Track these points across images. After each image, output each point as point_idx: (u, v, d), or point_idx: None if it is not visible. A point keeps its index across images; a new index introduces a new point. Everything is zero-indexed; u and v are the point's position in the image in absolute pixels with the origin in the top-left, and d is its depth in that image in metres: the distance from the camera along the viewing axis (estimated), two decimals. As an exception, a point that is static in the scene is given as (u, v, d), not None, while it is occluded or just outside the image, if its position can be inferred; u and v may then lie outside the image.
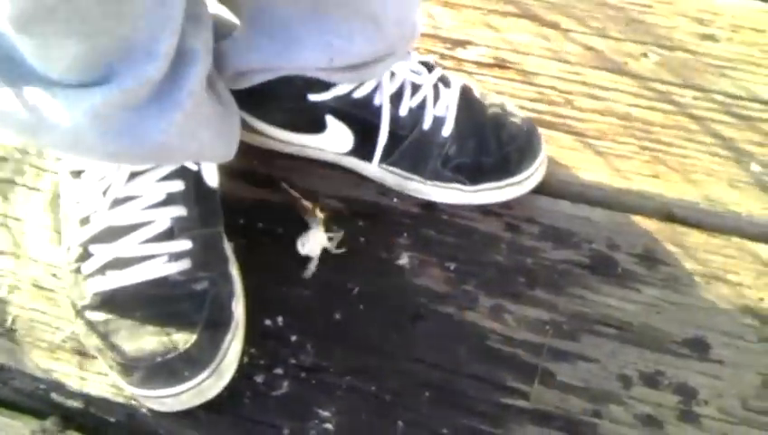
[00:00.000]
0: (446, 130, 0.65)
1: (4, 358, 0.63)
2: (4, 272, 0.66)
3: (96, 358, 0.61)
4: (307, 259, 0.65)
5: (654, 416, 0.60)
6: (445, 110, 0.66)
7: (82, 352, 0.62)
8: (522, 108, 0.72)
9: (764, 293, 0.65)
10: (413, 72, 0.66)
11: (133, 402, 0.60)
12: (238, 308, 0.61)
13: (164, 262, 0.59)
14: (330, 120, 0.65)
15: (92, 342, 0.59)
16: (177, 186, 0.60)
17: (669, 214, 0.70)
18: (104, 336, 0.58)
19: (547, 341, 0.63)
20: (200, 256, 0.60)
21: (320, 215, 0.67)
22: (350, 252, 0.67)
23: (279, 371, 0.62)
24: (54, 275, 0.66)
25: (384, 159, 0.66)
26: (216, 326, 0.58)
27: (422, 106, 0.65)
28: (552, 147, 0.72)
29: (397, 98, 0.64)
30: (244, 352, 0.62)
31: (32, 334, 0.64)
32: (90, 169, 0.60)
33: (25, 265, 0.67)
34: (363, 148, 0.66)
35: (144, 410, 0.60)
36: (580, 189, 0.71)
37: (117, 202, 0.59)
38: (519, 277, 0.66)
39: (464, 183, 0.67)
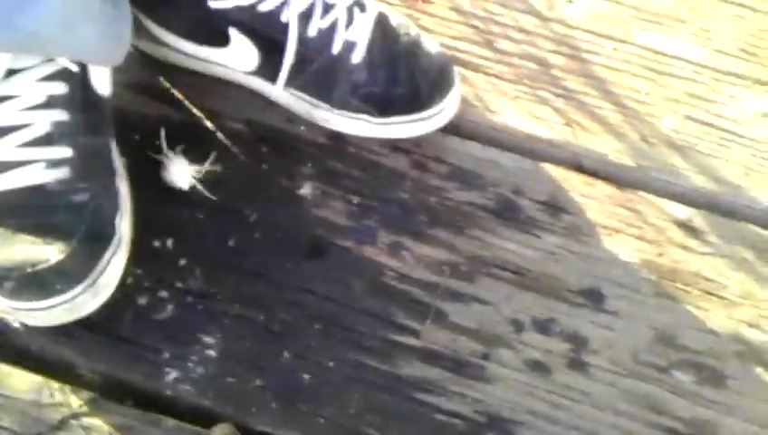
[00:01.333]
0: (357, 57, 0.63)
1: None
2: None
3: (-32, 268, 0.58)
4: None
5: (543, 362, 0.60)
6: (357, 35, 0.63)
7: (-46, 262, 0.59)
8: (440, 45, 0.70)
9: (664, 248, 0.65)
10: None
11: (5, 316, 0.57)
12: (123, 225, 0.58)
13: (41, 168, 0.55)
14: (233, 33, 0.61)
15: (-39, 249, 0.56)
16: (60, 88, 0.56)
17: (578, 164, 0.69)
18: None
19: (443, 281, 0.62)
20: (81, 166, 0.57)
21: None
22: (251, 178, 0.65)
23: (164, 294, 0.60)
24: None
25: (291, 82, 0.64)
26: (94, 241, 0.56)
27: (333, 28, 0.62)
28: (467, 87, 0.70)
29: (306, 17, 0.62)
30: (128, 273, 0.59)
31: None
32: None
33: None
34: (269, 67, 0.63)
35: (17, 325, 0.57)
36: (491, 133, 0.70)
37: None
38: (421, 216, 0.65)
39: (372, 114, 0.65)
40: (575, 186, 0.67)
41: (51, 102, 0.56)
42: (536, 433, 0.58)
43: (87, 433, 0.54)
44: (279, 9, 0.61)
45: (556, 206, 0.66)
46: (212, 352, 0.58)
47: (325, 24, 0.62)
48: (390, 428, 0.57)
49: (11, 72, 0.55)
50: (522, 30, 0.74)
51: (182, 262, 0.61)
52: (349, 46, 0.63)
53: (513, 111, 0.70)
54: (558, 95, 0.72)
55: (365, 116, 0.65)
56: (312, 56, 0.63)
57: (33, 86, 0.56)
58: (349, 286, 0.62)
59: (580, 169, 0.69)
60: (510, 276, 0.63)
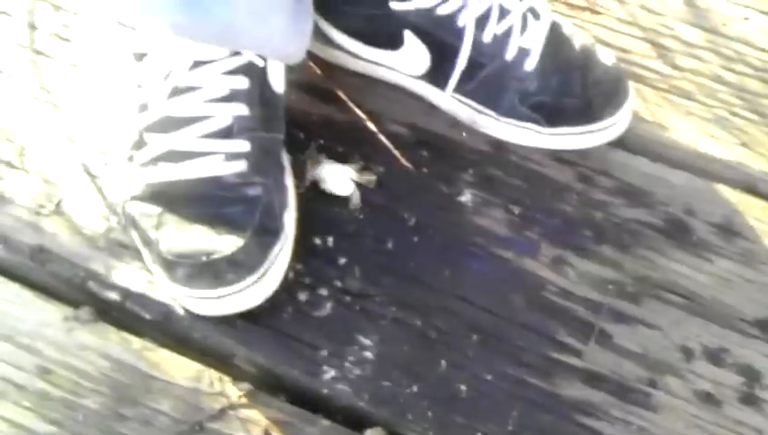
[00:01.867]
0: (530, 64, 0.61)
1: (45, 240, 0.61)
2: (58, 154, 0.64)
3: (139, 252, 0.59)
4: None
5: (713, 394, 0.56)
6: (531, 42, 0.61)
7: (125, 245, 0.60)
8: (611, 55, 0.68)
9: None
10: None
11: (170, 302, 0.58)
12: (290, 220, 0.58)
13: (220, 161, 0.56)
14: (408, 36, 0.61)
15: (138, 233, 0.57)
16: (242, 82, 0.57)
17: (753, 187, 0.65)
18: (152, 228, 0.55)
19: (608, 300, 0.59)
20: (257, 161, 0.57)
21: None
22: (411, 182, 0.64)
23: (323, 291, 0.59)
24: (106, 165, 0.64)
25: (459, 87, 0.63)
26: (265, 234, 0.56)
27: (508, 34, 0.61)
28: (638, 101, 0.67)
29: (482, 21, 0.60)
30: (289, 268, 0.59)
31: (76, 220, 0.61)
32: (153, 53, 0.57)
33: (78, 150, 0.64)
34: (439, 72, 0.62)
35: (181, 312, 0.58)
36: (661, 149, 0.66)
37: (177, 91, 0.56)
38: (586, 231, 0.62)
39: (540, 124, 0.63)
40: (751, 210, 0.63)
41: (233, 96, 0.57)
42: (704, 469, 0.54)
43: (244, 426, 0.54)
44: (457, 13, 0.60)
45: (731, 230, 0.62)
46: (369, 354, 0.57)
47: (501, 29, 0.61)
48: (549, 448, 0.55)
49: (197, 64, 0.56)
50: (695, 45, 0.71)
51: (341, 261, 0.60)
52: (522, 53, 0.61)
53: (685, 127, 0.67)
54: (733, 114, 0.68)
55: (532, 125, 0.63)
56: (484, 62, 0.61)
57: (218, 79, 0.56)
58: (508, 299, 0.60)
59: (755, 192, 0.65)
60: (679, 301, 0.60)
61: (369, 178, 0.62)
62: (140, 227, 0.57)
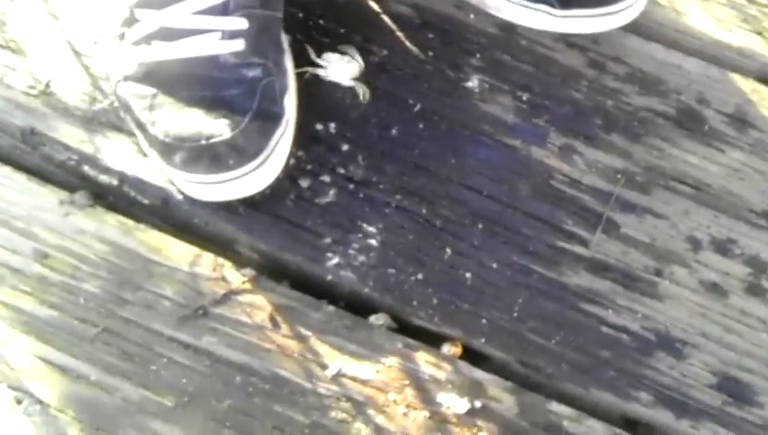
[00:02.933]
0: None
1: (36, 122, 0.58)
2: (46, 34, 0.61)
3: (134, 135, 0.57)
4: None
5: (719, 284, 0.56)
6: None
7: (119, 127, 0.58)
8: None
9: None
10: None
11: (169, 187, 0.57)
12: (290, 104, 0.56)
13: (216, 39, 0.53)
14: None
15: (133, 115, 0.54)
16: None
17: (767, 76, 0.63)
18: (146, 110, 0.53)
19: (617, 190, 0.58)
20: (255, 40, 0.54)
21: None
22: (416, 66, 0.61)
23: (326, 178, 0.58)
24: (96, 44, 0.61)
25: None
26: (266, 118, 0.54)
27: None
28: (654, -16, 0.65)
29: None
30: (291, 154, 0.57)
31: (67, 101, 0.59)
32: None
33: (69, 30, 0.61)
34: None
35: (180, 197, 0.56)
36: (675, 35, 0.64)
37: None
38: (596, 119, 0.61)
39: (553, 5, 0.60)
40: (764, 100, 0.62)
41: None
42: (708, 356, 0.54)
43: (248, 310, 0.54)
44: None
45: (743, 120, 0.61)
46: (373, 242, 0.56)
47: None
48: (554, 335, 0.54)
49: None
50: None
51: (344, 148, 0.59)
52: None
53: (700, 14, 0.65)
54: (750, 1, 0.65)
55: (544, 6, 0.60)
56: None
57: None
58: (515, 187, 0.58)
59: (770, 82, 0.63)
60: (689, 191, 0.59)
61: (365, 90, 0.59)
62: (134, 109, 0.54)
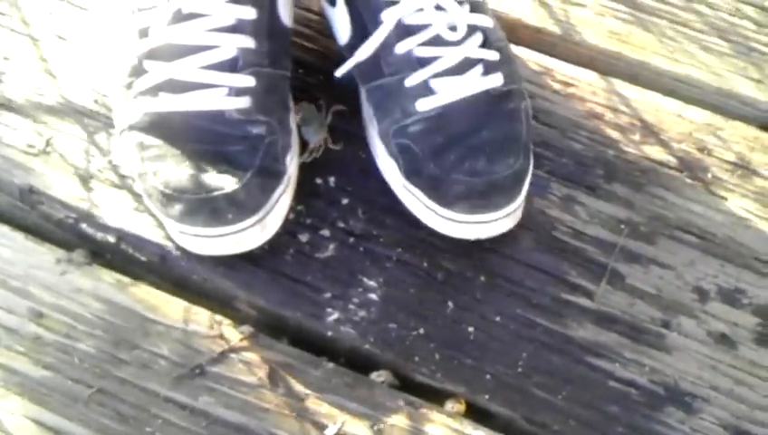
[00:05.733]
0: (424, 105, 0.54)
1: (35, 180, 0.58)
2: (44, 91, 0.61)
3: (132, 193, 0.57)
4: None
5: (728, 335, 0.55)
6: (445, 87, 0.54)
7: (118, 185, 0.58)
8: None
9: None
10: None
11: (167, 243, 0.56)
12: (293, 163, 0.56)
13: (223, 94, 0.53)
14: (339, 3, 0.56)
15: (134, 165, 0.54)
16: (249, 13, 0.54)
17: (770, 124, 0.63)
18: (149, 160, 0.53)
19: (620, 240, 0.58)
20: (262, 98, 0.54)
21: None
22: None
23: (326, 232, 0.57)
24: (96, 102, 0.61)
25: (363, 81, 0.56)
26: (267, 175, 0.53)
27: (424, 62, 0.54)
28: (652, 35, 0.65)
29: (406, 30, 0.54)
30: (290, 209, 0.57)
31: (66, 159, 0.59)
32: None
33: (68, 87, 0.62)
34: (354, 50, 0.55)
35: (178, 253, 0.56)
36: (674, 84, 0.64)
37: (180, 17, 0.53)
38: (597, 169, 0.60)
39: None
40: (767, 146, 0.61)
41: (239, 27, 0.54)
42: (718, 410, 0.53)
43: (247, 368, 0.53)
44: (383, 4, 0.54)
45: (746, 167, 0.60)
46: (374, 296, 0.55)
47: (421, 51, 0.54)
48: (560, 391, 0.53)
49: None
50: (711, -24, 0.68)
51: (344, 201, 0.58)
52: (425, 89, 0.54)
53: (700, 62, 0.65)
54: (750, 49, 0.66)
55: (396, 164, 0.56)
56: (384, 69, 0.55)
57: (223, 7, 0.53)
58: (516, 238, 0.58)
59: (772, 129, 0.63)
60: (694, 240, 0.58)
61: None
62: (136, 159, 0.54)
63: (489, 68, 0.55)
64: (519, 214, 0.56)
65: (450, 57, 0.54)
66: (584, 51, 0.65)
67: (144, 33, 0.54)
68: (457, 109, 0.54)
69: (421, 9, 0.54)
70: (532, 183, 0.59)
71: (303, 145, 0.58)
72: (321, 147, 0.58)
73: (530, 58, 0.64)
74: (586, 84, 0.63)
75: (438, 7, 0.54)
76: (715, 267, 0.57)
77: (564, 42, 0.66)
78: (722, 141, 0.61)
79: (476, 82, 0.55)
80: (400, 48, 0.54)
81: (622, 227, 0.58)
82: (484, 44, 0.56)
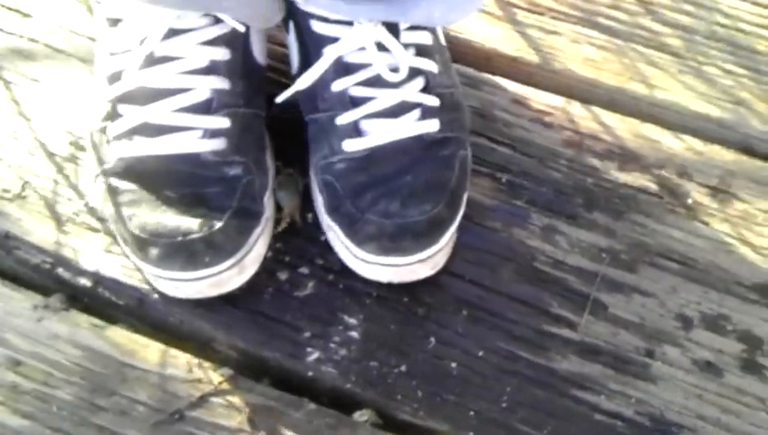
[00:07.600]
0: (352, 145, 0.54)
1: (10, 226, 0.58)
2: (20, 135, 0.61)
3: (109, 236, 0.56)
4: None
5: (713, 363, 0.54)
6: (377, 129, 0.54)
7: (94, 228, 0.57)
8: (598, 14, 0.65)
9: None
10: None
11: (145, 287, 0.55)
12: (270, 202, 0.56)
13: (197, 137, 0.53)
14: (291, 27, 0.56)
15: (109, 210, 0.54)
16: (223, 54, 0.54)
17: (748, 147, 0.63)
18: (125, 205, 0.53)
19: (602, 269, 0.57)
20: (237, 139, 0.54)
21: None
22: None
23: (305, 270, 0.57)
24: (71, 144, 0.61)
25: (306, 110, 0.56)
26: (245, 216, 0.53)
27: (357, 102, 0.54)
28: (628, 61, 0.65)
29: (345, 68, 0.54)
30: (268, 247, 0.56)
31: (42, 204, 0.59)
32: (127, 19, 0.54)
33: (43, 131, 0.61)
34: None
35: (156, 296, 0.55)
36: (652, 109, 0.64)
37: (153, 61, 0.53)
38: (577, 198, 0.60)
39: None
40: (747, 170, 0.61)
41: (213, 68, 0.54)
42: (706, 440, 0.52)
43: (227, 412, 0.52)
44: (325, 39, 0.54)
45: (727, 191, 0.60)
46: (354, 334, 0.55)
47: (356, 91, 0.54)
48: (545, 425, 0.52)
49: (173, 33, 0.53)
50: (685, 0, 0.68)
51: (322, 238, 0.58)
52: (353, 130, 0.54)
53: (677, 87, 0.64)
54: (726, 72, 0.65)
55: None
56: (318, 104, 0.55)
57: (196, 49, 0.53)
58: (497, 271, 0.57)
59: (752, 152, 0.62)
60: (675, 267, 0.57)
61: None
62: (112, 203, 0.54)
63: (427, 113, 0.54)
64: (439, 261, 0.55)
65: (385, 99, 0.54)
66: (561, 79, 0.65)
67: (117, 78, 0.54)
68: (388, 151, 0.54)
69: (363, 48, 0.54)
70: (511, 213, 0.59)
71: (278, 209, 0.57)
72: (292, 219, 0.57)
73: (507, 87, 0.64)
74: (563, 112, 0.63)
75: (381, 47, 0.54)
76: (697, 294, 0.57)
77: (541, 70, 0.66)
78: (702, 166, 0.61)
79: (410, 127, 0.54)
80: (336, 86, 0.54)
81: (603, 255, 0.58)
82: (426, 89, 0.55)
